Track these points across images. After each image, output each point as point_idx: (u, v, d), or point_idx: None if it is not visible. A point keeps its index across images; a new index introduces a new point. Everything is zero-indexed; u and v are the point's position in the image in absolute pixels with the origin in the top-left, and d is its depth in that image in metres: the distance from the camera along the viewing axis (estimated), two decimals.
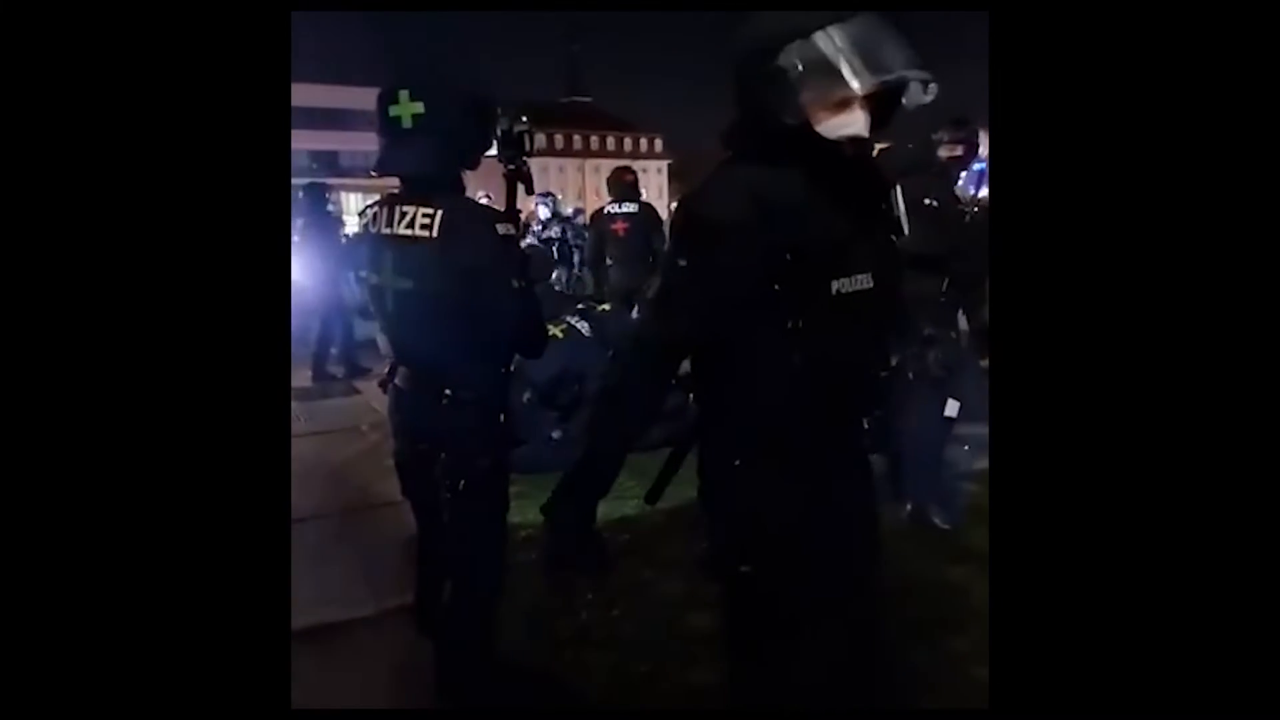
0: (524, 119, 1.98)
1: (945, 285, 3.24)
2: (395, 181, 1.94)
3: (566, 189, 48.38)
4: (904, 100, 1.28)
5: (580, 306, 5.00)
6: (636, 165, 7.65)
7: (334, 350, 6.97)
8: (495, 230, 1.81)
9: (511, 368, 2.07)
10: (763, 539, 1.35)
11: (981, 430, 2.82)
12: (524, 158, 1.99)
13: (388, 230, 1.88)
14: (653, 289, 1.37)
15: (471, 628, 2.04)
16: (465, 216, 1.83)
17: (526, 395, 4.27)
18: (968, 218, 3.27)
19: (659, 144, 69.94)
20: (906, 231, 2.85)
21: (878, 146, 1.34)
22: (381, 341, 2.09)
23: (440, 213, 1.80)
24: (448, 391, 1.89)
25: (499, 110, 1.95)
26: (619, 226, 5.90)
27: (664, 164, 66.76)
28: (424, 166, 1.86)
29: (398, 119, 1.83)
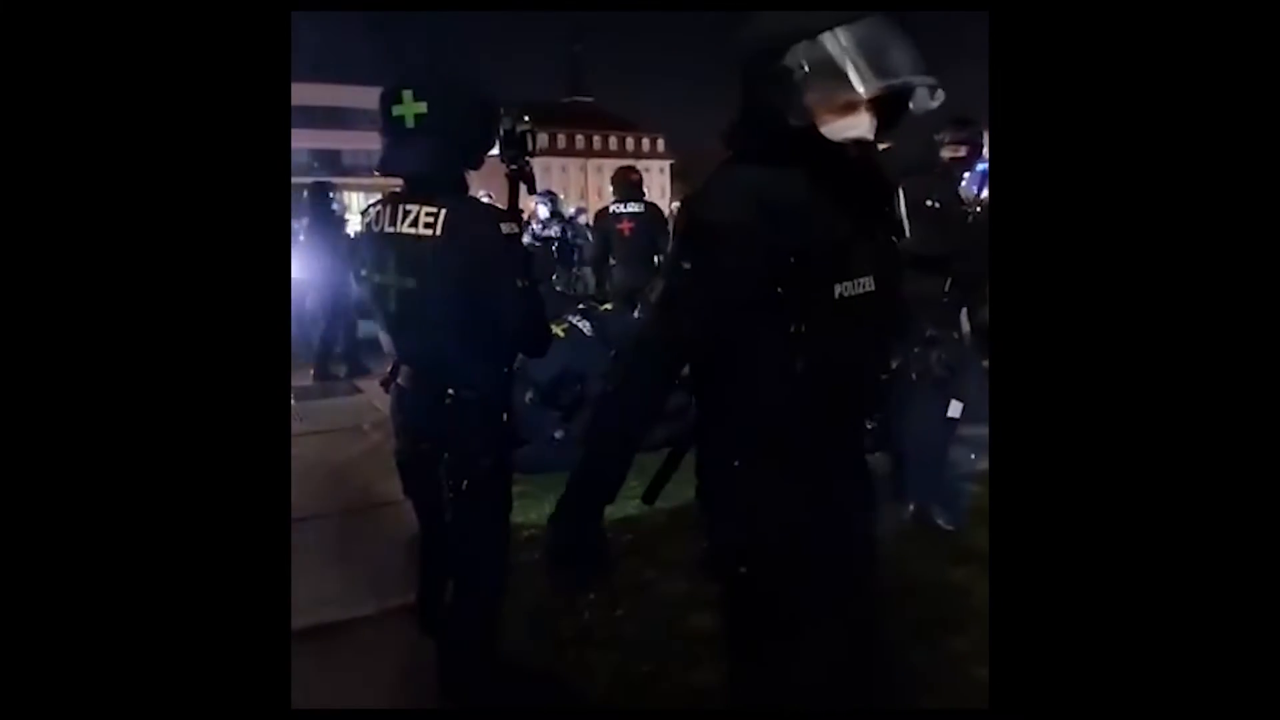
0: (526, 119, 1.98)
1: (948, 286, 3.23)
2: (398, 181, 1.94)
3: (569, 189, 48.37)
4: (911, 105, 1.27)
5: (582, 306, 5.00)
6: (639, 165, 7.62)
7: (337, 349, 6.97)
8: (499, 229, 1.81)
9: (514, 367, 2.07)
10: (762, 540, 1.34)
11: (985, 431, 2.81)
12: (526, 157, 2.00)
13: (391, 229, 1.88)
14: (656, 290, 1.37)
15: (474, 627, 2.04)
16: (468, 215, 1.83)
17: (529, 395, 4.28)
18: (970, 218, 3.25)
19: (661, 144, 69.96)
20: (908, 233, 2.86)
21: (880, 147, 1.34)
22: (384, 340, 2.09)
23: (444, 212, 1.80)
24: (450, 391, 1.89)
25: (502, 110, 1.95)
26: (624, 226, 5.88)
27: (666, 164, 66.73)
28: (427, 166, 1.86)
29: (401, 118, 1.84)
